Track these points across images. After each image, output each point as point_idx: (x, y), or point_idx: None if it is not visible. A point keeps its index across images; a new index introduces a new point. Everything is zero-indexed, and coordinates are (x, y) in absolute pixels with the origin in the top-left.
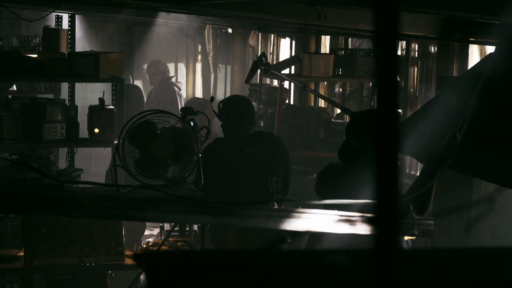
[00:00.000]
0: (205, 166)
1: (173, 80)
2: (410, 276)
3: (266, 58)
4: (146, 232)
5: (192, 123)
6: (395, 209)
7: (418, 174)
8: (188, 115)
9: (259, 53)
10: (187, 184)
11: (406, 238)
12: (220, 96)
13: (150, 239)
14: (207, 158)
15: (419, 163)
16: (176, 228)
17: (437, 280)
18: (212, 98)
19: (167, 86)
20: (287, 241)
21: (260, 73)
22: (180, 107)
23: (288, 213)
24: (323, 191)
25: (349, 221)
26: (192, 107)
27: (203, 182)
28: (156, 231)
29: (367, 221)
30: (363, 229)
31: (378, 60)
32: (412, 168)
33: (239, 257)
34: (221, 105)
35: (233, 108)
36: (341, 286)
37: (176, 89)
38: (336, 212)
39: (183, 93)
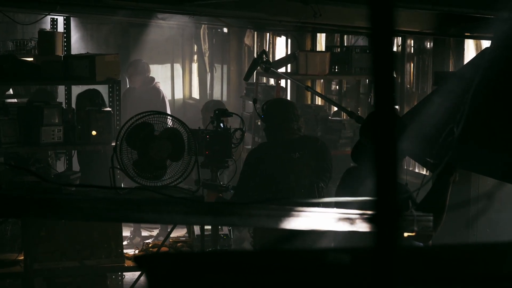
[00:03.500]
0: (250, 171)
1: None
2: (409, 272)
3: (267, 56)
4: (145, 233)
5: (222, 125)
6: (394, 207)
7: (418, 171)
8: (222, 117)
9: (255, 52)
10: (227, 189)
11: (405, 234)
12: (217, 95)
13: (149, 240)
14: (252, 163)
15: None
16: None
17: (436, 276)
18: (255, 100)
19: (152, 87)
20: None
21: (256, 72)
22: (168, 108)
23: (287, 212)
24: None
25: (349, 219)
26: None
27: (246, 187)
28: (155, 232)
29: (366, 219)
30: (362, 227)
31: (375, 57)
32: (410, 165)
33: (240, 258)
34: (265, 107)
35: (279, 112)
36: (341, 284)
37: (162, 90)
38: (335, 210)
39: (180, 93)
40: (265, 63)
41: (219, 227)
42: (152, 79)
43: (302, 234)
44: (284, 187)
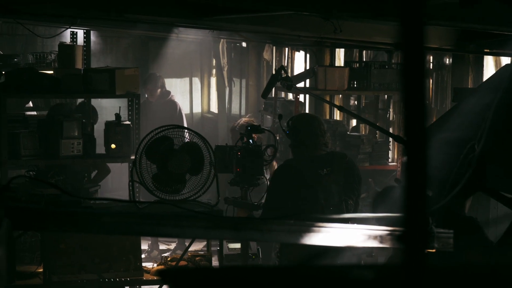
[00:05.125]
0: (277, 188)
1: (171, 94)
2: None
3: (286, 72)
4: (163, 247)
5: (251, 141)
6: (422, 226)
7: None
8: (253, 133)
9: (274, 67)
10: (259, 207)
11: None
12: (235, 110)
13: (167, 254)
14: (279, 180)
15: None
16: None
17: None
18: (280, 116)
19: (169, 100)
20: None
21: (275, 86)
22: (184, 122)
23: (308, 228)
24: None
25: (371, 236)
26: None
27: (273, 204)
28: (173, 245)
29: (390, 235)
30: (385, 243)
31: (405, 73)
32: None
33: (265, 274)
34: (290, 123)
35: (305, 127)
36: None
37: (178, 103)
38: (356, 226)
39: (198, 107)
40: (285, 80)
41: (249, 247)
42: (168, 92)
43: (329, 252)
44: (312, 205)
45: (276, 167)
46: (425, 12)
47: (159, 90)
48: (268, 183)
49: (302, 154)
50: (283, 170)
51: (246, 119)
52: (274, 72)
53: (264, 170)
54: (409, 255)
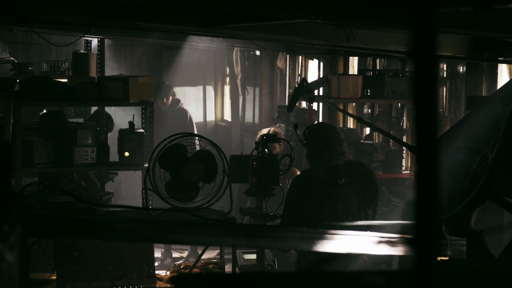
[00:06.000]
0: (295, 199)
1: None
2: None
3: (308, 84)
4: (176, 254)
5: (266, 151)
6: (434, 233)
7: None
8: (269, 142)
9: (287, 75)
10: (275, 218)
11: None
12: (248, 118)
13: (180, 261)
14: (296, 190)
15: None
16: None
17: None
18: (296, 125)
19: (179, 109)
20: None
21: (288, 95)
22: (195, 129)
23: (320, 235)
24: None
25: (382, 242)
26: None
27: (290, 214)
28: (186, 253)
29: (402, 242)
30: (398, 250)
31: (417, 82)
32: None
33: (278, 280)
34: (307, 132)
35: (322, 137)
36: None
37: (189, 111)
38: (369, 233)
39: (212, 115)
40: (307, 93)
41: (265, 257)
42: (178, 100)
43: (341, 257)
44: (331, 215)
45: (298, 173)
46: (437, 20)
47: (170, 98)
48: (285, 193)
49: (320, 164)
50: (301, 180)
51: (273, 129)
52: (296, 85)
53: (283, 179)
54: (421, 262)
